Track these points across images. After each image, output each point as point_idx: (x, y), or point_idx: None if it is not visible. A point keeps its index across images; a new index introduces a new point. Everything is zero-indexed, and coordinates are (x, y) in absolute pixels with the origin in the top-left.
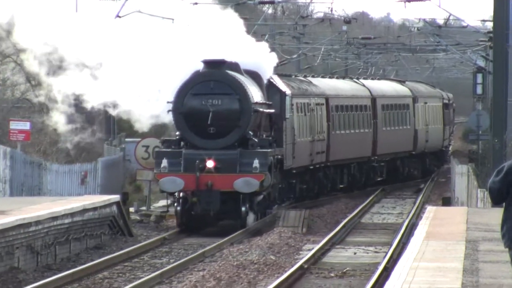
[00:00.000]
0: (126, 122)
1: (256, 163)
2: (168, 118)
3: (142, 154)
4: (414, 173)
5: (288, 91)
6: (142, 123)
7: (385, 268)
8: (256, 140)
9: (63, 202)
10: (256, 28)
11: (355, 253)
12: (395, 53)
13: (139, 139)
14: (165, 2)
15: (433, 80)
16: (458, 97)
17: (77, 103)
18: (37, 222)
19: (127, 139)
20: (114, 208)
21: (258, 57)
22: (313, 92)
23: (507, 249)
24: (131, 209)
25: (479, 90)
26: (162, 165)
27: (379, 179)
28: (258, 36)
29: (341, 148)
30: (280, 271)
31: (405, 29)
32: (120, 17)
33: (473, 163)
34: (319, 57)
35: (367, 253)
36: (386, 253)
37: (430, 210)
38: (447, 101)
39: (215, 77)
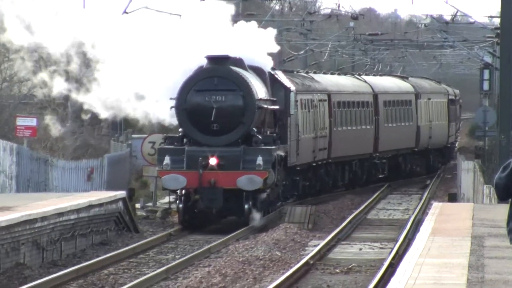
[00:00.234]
0: (133, 119)
1: (259, 160)
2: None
3: (148, 150)
4: (417, 170)
5: (292, 87)
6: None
7: (390, 264)
8: (260, 137)
9: (69, 198)
10: (263, 24)
11: (360, 249)
12: (402, 49)
13: (145, 135)
14: None
15: (440, 76)
16: (464, 93)
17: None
18: (43, 218)
19: (133, 135)
20: (120, 204)
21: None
22: (316, 88)
23: None
24: (137, 205)
25: (485, 86)
26: (164, 162)
27: (381, 176)
28: None
29: (343, 144)
30: (285, 267)
31: (412, 25)
32: (127, 13)
33: (480, 159)
34: (326, 53)
35: (373, 249)
36: (392, 249)
37: (436, 206)
38: (453, 97)
39: (219, 73)
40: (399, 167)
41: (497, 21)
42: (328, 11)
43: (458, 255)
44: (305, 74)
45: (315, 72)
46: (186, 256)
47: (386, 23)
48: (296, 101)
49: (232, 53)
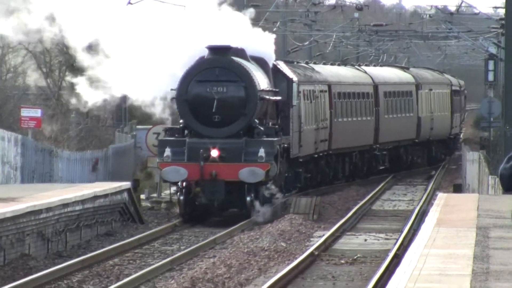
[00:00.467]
0: (137, 109)
1: (261, 152)
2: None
3: (153, 141)
4: (418, 161)
5: (295, 78)
6: (155, 108)
7: (395, 255)
8: (262, 128)
9: (74, 189)
10: (268, 15)
11: (365, 240)
12: (406, 40)
13: (150, 126)
14: None
15: (445, 67)
16: (469, 84)
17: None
18: (48, 209)
19: (138, 126)
20: (125, 195)
21: (262, 41)
22: (317, 79)
23: None
24: (142, 196)
25: (490, 77)
26: (165, 154)
27: (381, 168)
28: (269, 23)
29: (343, 136)
30: (290, 258)
31: (416, 16)
32: (131, 4)
33: (485, 150)
34: (331, 44)
35: (378, 240)
36: (397, 240)
37: (441, 197)
38: (458, 88)
39: (221, 64)
40: (400, 159)
41: (501, 11)
42: (332, 2)
43: (463, 246)
44: (305, 65)
45: (315, 63)
46: (191, 247)
47: (391, 13)
48: (299, 92)
49: (234, 43)
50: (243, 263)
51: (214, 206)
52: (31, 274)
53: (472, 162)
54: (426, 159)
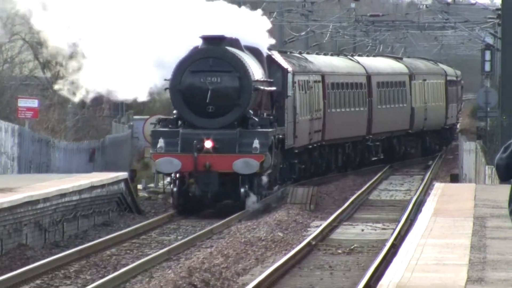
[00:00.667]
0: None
1: (256, 143)
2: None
3: (150, 131)
4: (412, 152)
5: (290, 68)
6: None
7: (392, 245)
8: (256, 119)
9: (71, 179)
10: (265, 5)
11: (362, 230)
12: (403, 31)
13: (147, 117)
14: None
15: (441, 57)
16: (466, 74)
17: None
18: (45, 199)
19: (135, 117)
20: (122, 185)
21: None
22: (311, 69)
23: None
24: (139, 186)
25: (487, 67)
26: (158, 145)
27: (374, 159)
28: (266, 13)
29: (337, 126)
30: (287, 248)
31: (413, 7)
32: None
33: (481, 140)
34: (328, 35)
35: (375, 230)
36: (394, 229)
37: (438, 186)
38: (454, 78)
39: (214, 54)
40: (394, 150)
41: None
42: None
43: (460, 235)
44: (299, 55)
45: (308, 53)
46: (188, 237)
47: (388, 4)
48: (294, 82)
49: (228, 33)
50: (240, 253)
51: (208, 198)
52: (28, 264)
53: (469, 152)
54: (420, 150)
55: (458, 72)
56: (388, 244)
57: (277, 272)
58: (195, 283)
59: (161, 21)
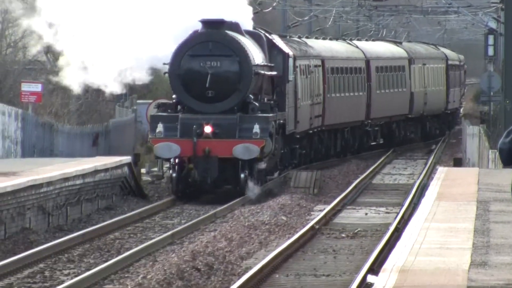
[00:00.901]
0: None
1: (256, 128)
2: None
3: None
4: (411, 136)
5: (291, 53)
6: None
7: (396, 229)
8: (256, 104)
9: (74, 163)
10: None
11: (366, 214)
12: (406, 15)
13: (150, 101)
14: None
15: (445, 42)
16: (469, 59)
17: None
18: (49, 183)
19: (138, 101)
20: (126, 169)
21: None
22: (311, 53)
23: None
24: (143, 170)
25: (490, 51)
26: (157, 130)
27: (373, 144)
28: None
29: (336, 111)
30: (291, 232)
31: None
32: None
33: (485, 124)
34: (331, 19)
35: (378, 213)
36: (397, 213)
37: (441, 171)
38: (457, 63)
39: (214, 38)
40: (393, 134)
41: None
42: None
43: (463, 219)
44: (298, 39)
45: (307, 37)
46: (192, 221)
47: None
48: (296, 67)
49: (228, 17)
50: (243, 236)
51: (208, 184)
52: (32, 248)
53: (472, 136)
54: (420, 135)
55: (461, 57)
56: (391, 228)
57: (280, 256)
58: (198, 267)
59: (160, 6)
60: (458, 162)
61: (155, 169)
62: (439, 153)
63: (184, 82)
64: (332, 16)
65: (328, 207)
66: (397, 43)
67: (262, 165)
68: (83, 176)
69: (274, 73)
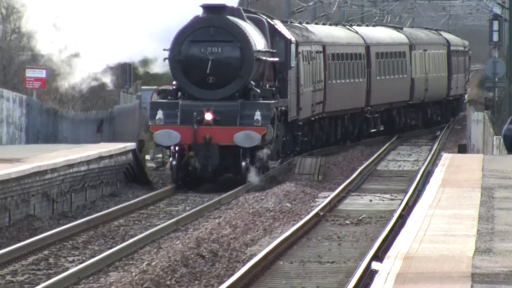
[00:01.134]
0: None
1: (257, 115)
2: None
3: None
4: (412, 123)
5: (293, 39)
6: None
7: (400, 216)
8: (258, 90)
9: (79, 149)
10: None
11: (370, 201)
12: (411, 1)
13: (155, 87)
14: None
15: (450, 28)
16: (474, 45)
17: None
18: (53, 170)
19: (143, 87)
20: (130, 155)
21: None
22: (313, 39)
23: None
24: (147, 157)
25: (495, 37)
26: (157, 117)
27: (373, 131)
28: None
29: (337, 98)
30: (296, 219)
31: None
32: None
33: (489, 111)
34: (336, 5)
35: (383, 200)
36: (402, 200)
37: (446, 157)
38: (461, 48)
39: (215, 23)
40: (393, 121)
41: None
42: None
43: (468, 206)
44: (300, 25)
45: (307, 23)
46: (197, 208)
47: None
48: (298, 53)
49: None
50: (248, 223)
51: (208, 171)
52: (36, 235)
53: (477, 122)
54: (421, 121)
55: (466, 42)
56: (396, 215)
57: (285, 243)
58: (203, 254)
59: None
60: (462, 149)
61: (160, 155)
62: (443, 139)
63: (184, 68)
64: (337, 1)
65: (333, 194)
66: (398, 28)
67: (264, 153)
68: (88, 162)
69: (276, 59)
